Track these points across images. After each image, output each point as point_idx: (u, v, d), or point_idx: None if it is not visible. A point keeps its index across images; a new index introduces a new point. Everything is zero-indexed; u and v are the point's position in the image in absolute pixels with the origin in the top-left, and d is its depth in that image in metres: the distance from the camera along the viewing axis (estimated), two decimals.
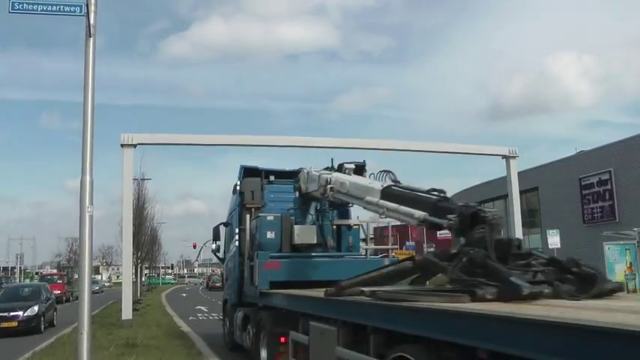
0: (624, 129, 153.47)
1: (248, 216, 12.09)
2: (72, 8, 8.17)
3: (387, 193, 7.69)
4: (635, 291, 18.96)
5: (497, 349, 4.03)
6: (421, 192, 7.23)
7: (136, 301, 29.82)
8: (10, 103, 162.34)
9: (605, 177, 32.13)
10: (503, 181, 27.19)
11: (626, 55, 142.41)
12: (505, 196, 30.40)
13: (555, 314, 3.90)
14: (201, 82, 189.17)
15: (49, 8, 8.11)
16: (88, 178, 7.96)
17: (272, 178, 13.18)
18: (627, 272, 18.98)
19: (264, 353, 10.20)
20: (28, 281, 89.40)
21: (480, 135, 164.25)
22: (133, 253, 29.69)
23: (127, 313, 20.70)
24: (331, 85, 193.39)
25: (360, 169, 10.39)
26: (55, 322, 22.65)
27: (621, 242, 19.67)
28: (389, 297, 5.67)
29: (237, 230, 12.99)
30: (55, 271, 70.14)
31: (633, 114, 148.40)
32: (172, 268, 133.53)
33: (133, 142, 21.44)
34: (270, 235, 11.04)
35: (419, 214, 6.75)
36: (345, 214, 12.41)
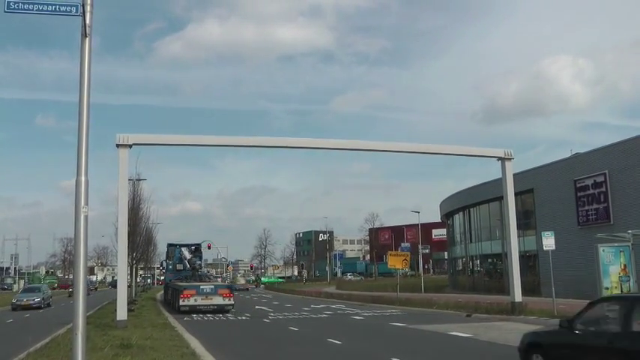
0: (619, 131, 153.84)
1: (169, 260, 42.87)
2: (68, 8, 8.17)
3: (187, 259, 39.42)
4: (629, 293, 19.01)
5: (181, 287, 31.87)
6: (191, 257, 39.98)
7: (130, 302, 29.79)
8: (6, 103, 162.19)
9: (600, 179, 32.22)
10: (499, 183, 27.24)
11: (621, 58, 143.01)
12: (500, 198, 30.47)
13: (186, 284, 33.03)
14: (198, 82, 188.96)
15: (45, 8, 8.11)
16: (83, 178, 7.95)
17: (178, 246, 41.68)
18: (621, 274, 19.03)
19: (165, 296, 43.06)
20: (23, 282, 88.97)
21: (476, 137, 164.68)
22: (128, 254, 29.63)
23: (121, 313, 20.66)
24: (328, 87, 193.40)
25: (198, 248, 42.01)
26: None
27: (615, 244, 19.71)
28: (173, 283, 37.27)
29: (165, 265, 46.37)
30: None
31: (628, 116, 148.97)
32: None
33: (129, 143, 21.41)
34: (170, 267, 41.90)
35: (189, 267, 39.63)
36: (201, 257, 42.61)
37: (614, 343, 8.50)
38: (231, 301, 31.01)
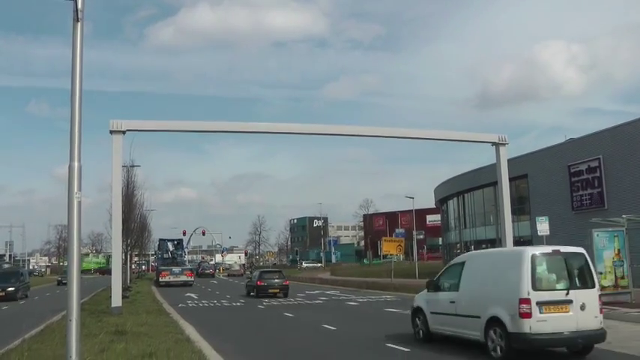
0: (614, 116, 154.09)
1: (159, 251, 63.57)
2: None
3: (171, 251, 60.47)
4: (622, 278, 19.07)
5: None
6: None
7: (125, 289, 29.78)
8: None
9: (594, 164, 32.27)
10: (493, 169, 27.25)
11: (615, 43, 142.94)
12: (494, 184, 30.51)
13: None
14: (191, 69, 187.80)
15: None
16: (76, 164, 7.87)
17: (165, 240, 63.33)
18: (615, 259, 19.06)
19: (156, 277, 53.25)
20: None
21: (470, 122, 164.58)
22: (123, 240, 29.58)
23: (116, 300, 20.64)
24: (321, 73, 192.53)
25: (180, 242, 65.75)
26: None
27: (610, 229, 19.72)
28: (158, 267, 55.91)
29: (156, 254, 68.13)
30: None
31: (622, 101, 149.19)
32: None
33: (122, 129, 21.26)
34: (160, 256, 61.74)
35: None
36: (182, 248, 65.38)
37: (253, 282, 32.70)
38: (192, 279, 49.56)
